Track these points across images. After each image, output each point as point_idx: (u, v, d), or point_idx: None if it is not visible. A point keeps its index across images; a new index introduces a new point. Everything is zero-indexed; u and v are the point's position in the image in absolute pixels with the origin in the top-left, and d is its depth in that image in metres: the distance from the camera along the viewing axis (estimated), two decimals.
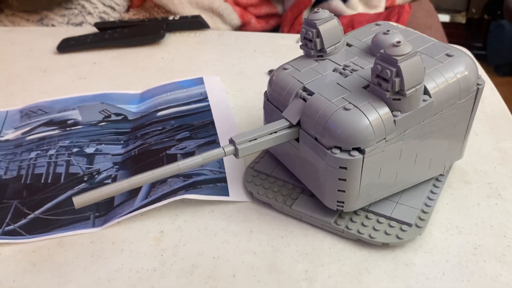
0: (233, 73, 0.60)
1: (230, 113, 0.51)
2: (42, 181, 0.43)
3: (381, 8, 1.03)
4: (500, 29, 1.55)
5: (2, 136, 0.50)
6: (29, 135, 0.49)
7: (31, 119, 0.52)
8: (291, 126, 0.35)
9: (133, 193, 0.40)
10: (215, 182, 0.40)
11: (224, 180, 0.41)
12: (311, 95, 0.34)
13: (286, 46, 0.67)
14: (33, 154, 0.46)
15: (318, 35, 0.37)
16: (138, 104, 0.54)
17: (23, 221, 0.39)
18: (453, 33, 1.62)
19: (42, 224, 0.38)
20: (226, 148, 0.33)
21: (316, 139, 0.33)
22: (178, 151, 0.45)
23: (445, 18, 1.73)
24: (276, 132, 0.35)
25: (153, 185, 0.40)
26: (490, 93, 0.53)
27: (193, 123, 0.49)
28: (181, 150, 0.45)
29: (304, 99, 0.35)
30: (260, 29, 1.05)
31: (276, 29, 1.08)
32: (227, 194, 0.40)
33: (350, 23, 0.98)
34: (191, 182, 0.40)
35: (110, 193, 0.31)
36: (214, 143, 0.46)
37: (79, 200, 0.30)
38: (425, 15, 1.02)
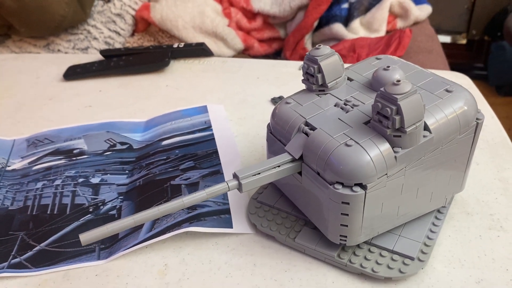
0: (236, 100, 0.61)
1: (233, 142, 0.51)
2: (48, 212, 0.43)
3: (382, 32, 1.04)
4: (501, 50, 1.56)
5: (9, 166, 0.50)
6: (35, 165, 0.50)
7: (37, 148, 0.53)
8: (293, 160, 0.35)
9: (139, 226, 0.40)
10: (219, 214, 0.41)
11: (228, 211, 0.41)
12: (313, 130, 0.35)
13: (289, 73, 0.68)
14: (39, 185, 0.47)
15: (320, 70, 0.38)
16: (142, 133, 0.55)
17: (29, 253, 0.39)
18: (454, 54, 1.64)
19: (48, 256, 0.39)
20: (230, 183, 0.34)
21: (318, 173, 0.34)
22: (182, 182, 0.45)
23: (446, 39, 1.75)
24: (279, 166, 0.35)
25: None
26: (491, 121, 0.53)
27: (197, 153, 0.50)
28: (185, 180, 0.45)
29: (307, 134, 0.35)
30: (263, 52, 1.07)
31: (278, 52, 1.10)
32: (230, 226, 0.40)
33: (352, 47, 0.99)
34: (195, 214, 0.40)
35: (116, 230, 0.31)
36: (218, 173, 0.46)
37: (86, 238, 0.30)
38: (426, 39, 1.03)
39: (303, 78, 0.40)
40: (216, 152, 0.49)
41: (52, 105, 0.63)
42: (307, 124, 0.36)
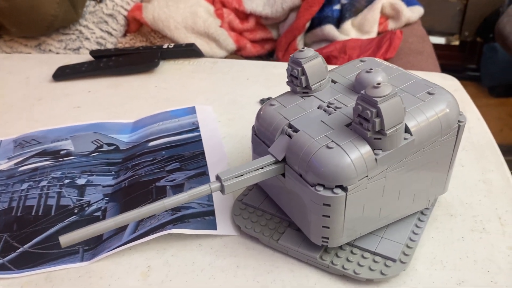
0: (225, 101, 0.61)
1: (221, 143, 0.51)
2: (33, 213, 0.43)
3: (373, 34, 1.05)
4: (493, 51, 1.57)
5: None
6: (21, 166, 0.50)
7: (24, 149, 0.53)
8: (277, 162, 0.36)
9: (121, 227, 0.40)
10: (203, 216, 0.41)
11: (212, 213, 0.41)
12: (296, 132, 0.35)
13: (279, 75, 0.68)
14: (25, 186, 0.47)
15: (303, 72, 0.38)
16: (130, 134, 0.55)
17: (12, 255, 0.39)
18: (447, 55, 1.65)
19: (31, 258, 0.39)
20: (212, 185, 0.34)
21: (300, 175, 0.34)
22: (167, 183, 0.45)
23: (440, 40, 1.76)
24: (262, 168, 0.35)
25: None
26: (477, 123, 0.54)
27: (183, 154, 0.50)
28: (170, 182, 0.45)
29: (290, 136, 0.35)
30: (256, 53, 1.07)
31: (271, 53, 1.10)
32: (215, 228, 0.40)
33: (343, 49, 0.99)
34: (179, 216, 0.40)
35: (97, 231, 0.31)
36: (203, 174, 0.46)
37: (66, 240, 0.30)
38: (417, 40, 1.03)
39: (287, 80, 0.40)
40: (203, 153, 0.49)
41: (40, 106, 0.63)
42: (290, 126, 0.36)
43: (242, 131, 0.55)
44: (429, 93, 0.36)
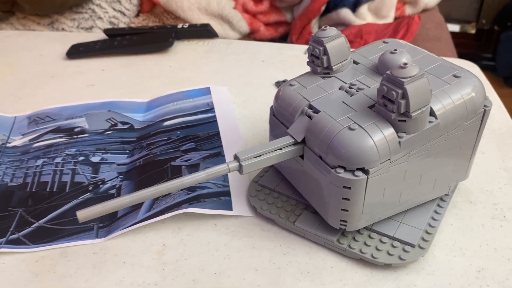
0: (240, 83, 0.60)
1: (236, 125, 0.51)
2: (48, 190, 0.43)
3: (390, 19, 1.03)
4: (510, 40, 1.54)
5: (9, 142, 0.50)
6: (36, 142, 0.50)
7: (38, 125, 0.52)
8: (296, 143, 0.35)
9: (136, 205, 0.40)
10: (219, 196, 0.41)
11: (228, 194, 0.41)
12: (317, 113, 0.34)
13: (294, 57, 0.67)
14: (39, 162, 0.47)
15: (325, 52, 0.37)
16: (144, 113, 0.55)
17: (28, 230, 0.39)
18: (462, 44, 1.62)
19: (46, 233, 0.39)
20: (231, 165, 0.33)
21: (320, 157, 0.33)
22: (183, 163, 0.45)
23: (454, 28, 1.72)
24: (281, 149, 0.35)
25: (157, 197, 0.41)
26: (498, 110, 0.53)
27: (198, 134, 0.49)
28: (186, 161, 0.45)
29: (310, 117, 0.35)
30: (269, 36, 1.05)
31: (285, 37, 1.08)
32: (230, 209, 0.40)
33: (359, 33, 0.98)
34: (195, 196, 0.40)
35: (114, 207, 0.31)
36: (219, 155, 0.46)
37: (83, 215, 0.30)
38: (434, 26, 1.01)
39: (308, 60, 0.39)
40: (218, 134, 0.49)
41: (54, 83, 0.62)
42: (310, 107, 0.35)
43: (257, 113, 0.54)
44: (455, 76, 0.35)
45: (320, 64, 0.38)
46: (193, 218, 0.39)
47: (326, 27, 0.38)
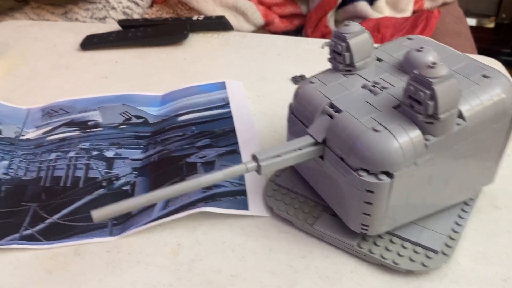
0: (255, 77, 0.59)
1: (251, 121, 0.50)
2: (61, 184, 0.43)
3: (408, 12, 1.00)
4: None
5: (23, 135, 0.50)
6: (49, 135, 0.49)
7: (52, 118, 0.52)
8: (316, 143, 0.34)
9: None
10: (235, 195, 0.40)
11: (244, 193, 0.40)
12: (339, 112, 0.33)
13: (311, 51, 0.65)
14: (53, 155, 0.46)
15: (348, 49, 0.36)
16: (159, 107, 0.54)
17: (41, 225, 0.38)
18: (480, 38, 1.58)
19: (59, 229, 0.38)
20: (249, 165, 0.32)
21: (342, 159, 0.32)
22: (198, 160, 0.44)
23: (471, 22, 1.68)
24: (300, 149, 0.34)
25: None
26: None
27: (214, 130, 0.48)
28: (201, 158, 0.44)
29: (331, 116, 0.33)
30: (284, 29, 1.04)
31: (299, 29, 1.07)
32: (246, 208, 0.39)
33: (376, 27, 0.95)
34: (211, 194, 0.39)
35: (129, 207, 0.30)
36: (234, 152, 0.45)
37: (98, 214, 0.29)
38: (454, 21, 0.99)
39: (329, 56, 0.38)
40: (233, 130, 0.48)
41: (67, 75, 0.62)
42: (332, 105, 0.34)
43: (273, 109, 0.53)
44: (484, 76, 0.33)
45: (342, 61, 0.36)
46: (208, 216, 0.38)
47: (349, 22, 0.36)
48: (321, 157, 0.34)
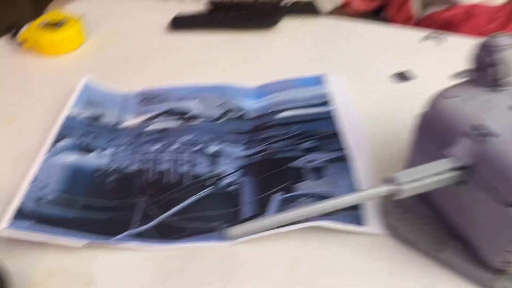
0: (352, 71, 0.56)
1: (358, 123, 0.47)
2: (166, 180, 0.42)
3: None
4: None
5: (123, 122, 0.49)
6: (149, 124, 0.49)
7: (149, 106, 0.51)
8: (459, 168, 0.31)
9: (261, 208, 0.38)
10: (350, 209, 0.38)
11: (359, 208, 0.38)
12: (493, 136, 0.30)
13: (409, 44, 0.61)
14: (154, 147, 0.46)
15: (496, 63, 0.32)
16: (255, 100, 0.52)
17: (151, 223, 0.38)
18: None
19: (170, 229, 0.38)
20: (386, 187, 0.30)
21: (492, 188, 0.29)
22: (305, 165, 0.42)
23: None
24: (440, 173, 0.31)
25: (283, 202, 0.38)
26: None
27: (317, 131, 0.46)
28: (308, 163, 0.42)
29: (481, 139, 0.30)
30: (362, 10, 0.98)
31: (378, 11, 1.01)
32: (363, 224, 0.37)
33: (466, 14, 0.88)
34: None
35: (264, 228, 0.29)
36: (343, 160, 0.42)
37: (237, 233, 0.28)
38: None
39: (471, 68, 0.34)
40: (339, 133, 0.45)
41: (159, 58, 0.61)
42: (480, 127, 0.31)
43: (376, 111, 0.49)
44: None
45: (489, 75, 0.33)
46: (321, 229, 0.37)
47: (499, 34, 0.32)
48: (462, 182, 0.32)
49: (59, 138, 0.45)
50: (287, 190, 0.40)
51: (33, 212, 0.37)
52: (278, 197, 0.39)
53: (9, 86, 0.56)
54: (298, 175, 0.41)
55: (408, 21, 0.92)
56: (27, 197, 0.38)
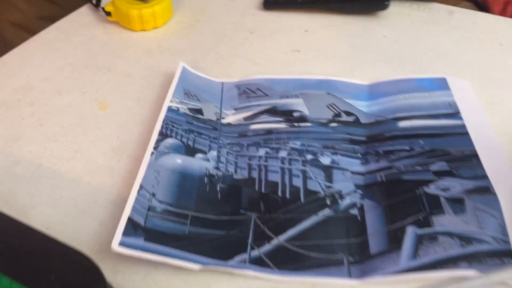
0: (479, 74, 0.49)
1: (495, 143, 0.41)
2: (280, 194, 0.38)
3: None
4: None
5: (223, 118, 0.45)
6: (252, 123, 0.44)
7: (250, 100, 0.47)
8: None
9: (394, 243, 0.34)
10: (501, 256, 0.33)
11: (510, 254, 0.33)
12: None
13: None
14: (261, 152, 0.41)
15: None
16: (368, 102, 0.46)
17: (268, 247, 0.34)
18: None
19: (290, 256, 0.34)
20: None
21: None
22: (440, 192, 0.37)
23: None
24: None
25: (420, 239, 0.34)
26: None
27: (449, 150, 0.40)
28: (444, 191, 0.37)
29: None
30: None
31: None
32: None
33: None
34: (472, 252, 0.32)
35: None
36: (487, 191, 0.37)
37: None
38: None
39: None
40: (475, 155, 0.39)
41: (254, 41, 0.55)
42: None
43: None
44: None
45: None
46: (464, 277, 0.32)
47: None
48: None
49: (164, 135, 0.41)
50: (422, 222, 0.35)
51: (143, 227, 0.34)
52: (413, 231, 0.34)
53: (97, 63, 0.52)
54: (434, 205, 0.36)
55: None
56: (135, 208, 0.35)
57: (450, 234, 0.34)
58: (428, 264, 0.32)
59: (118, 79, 0.50)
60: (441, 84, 0.47)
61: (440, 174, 0.38)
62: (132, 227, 0.33)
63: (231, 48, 0.54)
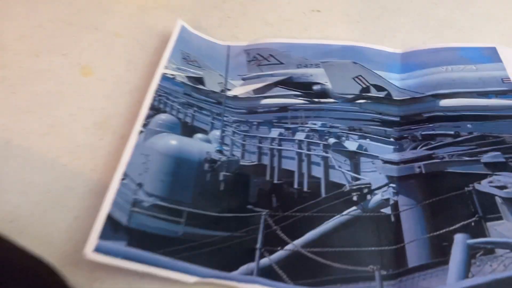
0: None
1: None
2: (296, 186, 0.31)
3: None
4: None
5: (229, 89, 0.38)
6: (263, 96, 0.37)
7: (262, 69, 0.39)
8: None
9: (438, 255, 0.27)
10: None
11: None
12: None
13: None
14: (274, 133, 0.34)
15: None
16: (401, 74, 0.39)
17: (280, 253, 0.28)
18: None
19: (307, 267, 0.27)
20: None
21: None
22: (495, 191, 0.30)
23: None
24: None
25: (472, 251, 0.27)
26: None
27: (502, 137, 0.33)
28: (499, 189, 0.30)
29: None
30: None
31: None
32: None
33: None
34: None
35: None
36: None
37: None
38: None
39: None
40: None
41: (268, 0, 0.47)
42: None
43: None
44: None
45: None
46: None
47: None
48: None
49: (156, 109, 0.34)
50: (473, 228, 0.28)
51: (126, 227, 0.27)
52: (463, 240, 0.28)
53: (82, 20, 0.45)
54: (487, 207, 0.29)
55: None
56: (117, 202, 0.28)
57: (510, 246, 0.27)
58: (483, 285, 0.25)
59: (105, 40, 0.42)
60: (491, 55, 0.39)
61: (493, 166, 0.31)
62: (112, 228, 0.27)
63: (240, 4, 0.46)
